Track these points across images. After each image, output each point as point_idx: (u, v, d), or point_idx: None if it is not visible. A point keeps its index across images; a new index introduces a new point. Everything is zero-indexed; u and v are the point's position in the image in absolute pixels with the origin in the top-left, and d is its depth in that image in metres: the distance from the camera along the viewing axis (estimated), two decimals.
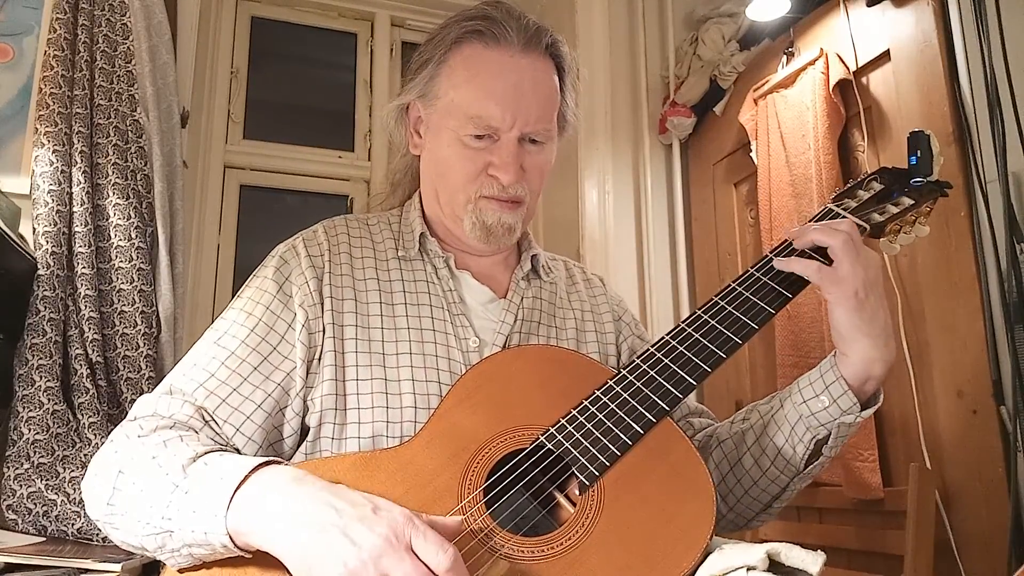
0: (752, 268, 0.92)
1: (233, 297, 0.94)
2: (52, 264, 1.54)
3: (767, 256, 0.92)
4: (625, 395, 0.82)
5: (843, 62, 1.73)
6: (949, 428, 1.44)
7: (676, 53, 2.33)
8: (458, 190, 0.96)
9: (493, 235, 0.96)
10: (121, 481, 0.75)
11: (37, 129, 1.63)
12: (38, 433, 1.43)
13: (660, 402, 0.81)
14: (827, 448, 0.90)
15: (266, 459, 0.73)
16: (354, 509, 0.66)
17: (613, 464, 0.77)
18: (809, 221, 0.96)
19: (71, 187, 1.62)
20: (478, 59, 0.93)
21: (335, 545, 0.63)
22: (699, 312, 0.89)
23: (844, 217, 0.94)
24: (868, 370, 0.86)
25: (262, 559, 0.70)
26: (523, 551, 0.71)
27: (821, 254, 0.89)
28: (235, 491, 0.69)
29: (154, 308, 1.67)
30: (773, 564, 0.67)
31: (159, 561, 0.75)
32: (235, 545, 0.68)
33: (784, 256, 0.90)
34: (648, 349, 0.87)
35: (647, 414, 0.80)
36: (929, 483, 1.36)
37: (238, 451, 0.83)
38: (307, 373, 0.88)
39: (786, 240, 0.93)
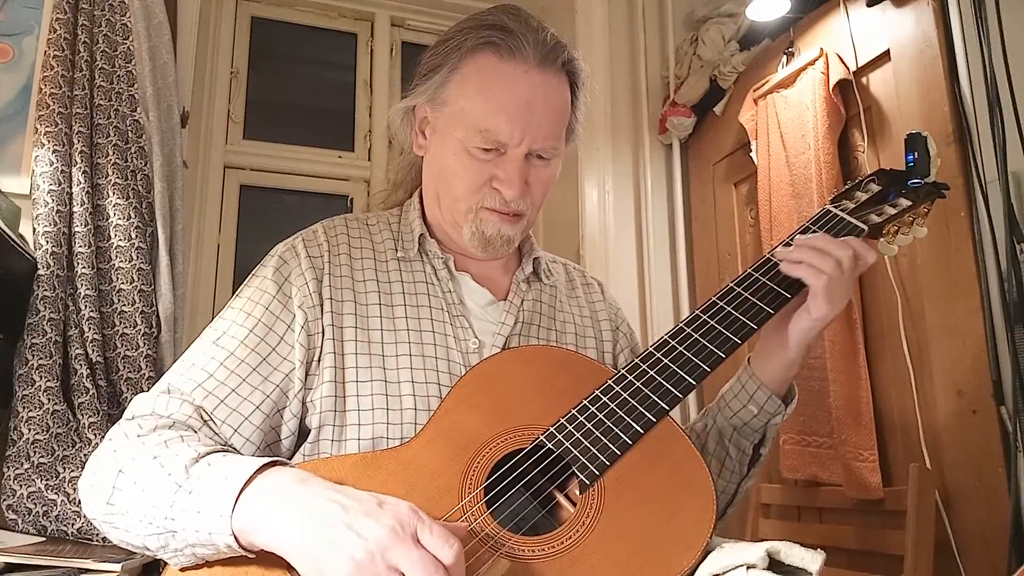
0: (751, 269, 0.92)
1: (232, 297, 0.94)
2: (52, 264, 1.54)
3: (766, 257, 0.92)
4: (625, 395, 0.82)
5: (843, 62, 1.73)
6: (949, 428, 1.44)
7: (676, 53, 2.33)
8: (460, 199, 0.95)
9: (491, 245, 0.96)
10: (122, 481, 0.75)
11: (37, 129, 1.63)
12: (38, 433, 1.43)
13: (660, 402, 0.81)
14: (763, 448, 0.98)
15: (270, 459, 0.73)
16: (360, 504, 0.66)
17: (613, 463, 0.77)
18: (807, 223, 0.96)
19: (71, 187, 1.62)
20: (492, 71, 0.91)
21: (342, 539, 0.64)
22: (698, 313, 0.89)
23: (843, 219, 0.94)
24: (789, 372, 0.94)
25: (265, 559, 0.70)
26: (524, 550, 0.71)
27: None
28: (240, 491, 0.69)
29: (154, 308, 1.67)
30: (773, 563, 0.68)
31: (159, 561, 0.75)
32: (239, 545, 0.68)
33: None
34: (648, 349, 0.87)
35: (647, 414, 0.80)
36: (929, 483, 1.36)
37: (236, 452, 0.82)
38: (306, 375, 0.88)
39: (785, 240, 0.94)
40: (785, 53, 1.93)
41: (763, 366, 0.94)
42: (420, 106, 0.99)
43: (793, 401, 0.97)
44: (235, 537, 0.68)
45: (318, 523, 0.65)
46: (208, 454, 0.75)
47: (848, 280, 0.88)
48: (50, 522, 1.39)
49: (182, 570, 0.73)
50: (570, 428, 0.80)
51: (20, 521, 1.38)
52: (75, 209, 1.61)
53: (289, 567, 0.68)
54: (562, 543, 0.72)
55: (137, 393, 1.56)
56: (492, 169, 0.92)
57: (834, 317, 0.89)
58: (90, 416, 1.49)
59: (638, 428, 0.79)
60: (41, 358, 1.48)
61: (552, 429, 0.81)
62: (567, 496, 0.79)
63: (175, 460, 0.73)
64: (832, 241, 0.90)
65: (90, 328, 1.56)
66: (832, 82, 1.72)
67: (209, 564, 0.73)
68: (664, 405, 0.81)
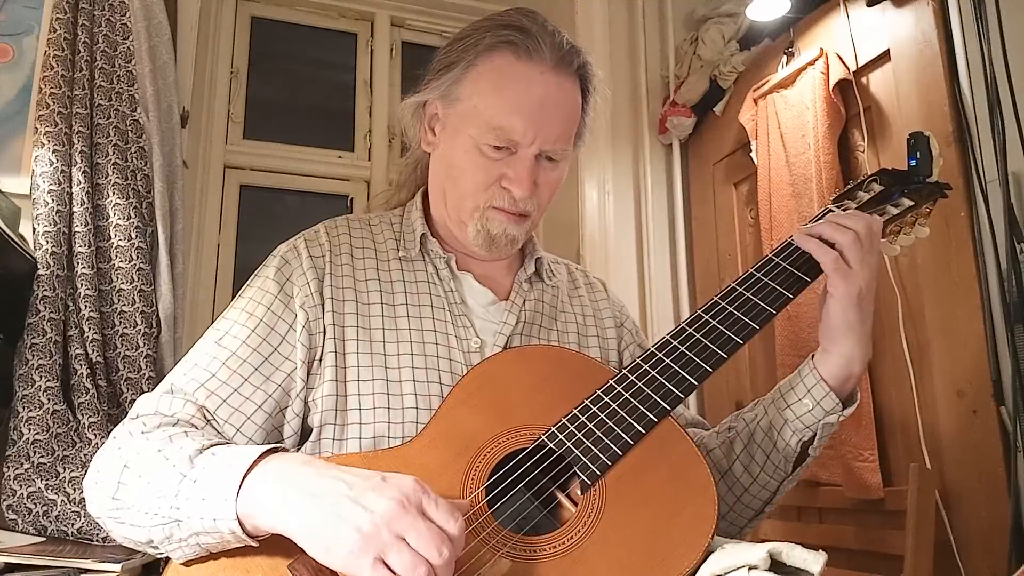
0: (753, 269, 0.92)
1: (234, 297, 0.94)
2: (52, 264, 1.54)
3: (767, 257, 0.92)
4: (627, 395, 0.82)
5: (843, 62, 1.73)
6: (949, 428, 1.44)
7: (676, 53, 2.33)
8: (467, 196, 0.95)
9: (496, 244, 0.96)
10: (127, 475, 0.75)
11: (37, 129, 1.63)
12: (38, 433, 1.43)
13: (661, 402, 0.81)
14: (812, 448, 0.92)
15: (273, 446, 0.73)
16: (365, 480, 0.67)
17: (615, 463, 0.77)
18: (808, 222, 0.96)
19: (71, 187, 1.62)
20: (508, 70, 0.92)
21: (348, 513, 0.64)
22: (700, 312, 0.89)
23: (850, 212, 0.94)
24: (848, 368, 0.89)
25: (269, 548, 0.70)
26: (525, 550, 0.71)
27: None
28: (244, 475, 0.69)
29: (154, 308, 1.67)
30: (775, 564, 0.67)
31: (159, 561, 0.75)
32: (244, 531, 0.68)
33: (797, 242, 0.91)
34: (649, 349, 0.87)
35: (649, 414, 0.80)
36: (929, 483, 1.36)
37: None
38: (308, 374, 0.88)
39: (787, 240, 0.93)
40: (785, 53, 1.93)
41: (822, 360, 0.90)
42: (431, 102, 0.98)
43: (853, 405, 0.90)
44: (239, 522, 0.68)
45: (324, 500, 0.66)
46: (212, 445, 0.75)
47: (861, 253, 0.86)
48: (50, 522, 1.39)
49: (186, 564, 0.73)
50: (572, 428, 0.80)
51: (20, 521, 1.38)
52: (75, 209, 1.61)
53: (291, 558, 0.68)
54: (563, 543, 0.72)
55: (137, 393, 1.56)
56: (502, 168, 0.93)
57: (861, 293, 0.86)
58: (90, 416, 1.49)
59: (640, 428, 0.79)
60: (41, 358, 1.48)
61: (554, 429, 0.81)
62: (568, 496, 0.79)
63: (179, 452, 0.74)
64: (841, 216, 0.90)
65: (90, 328, 1.56)
66: (832, 82, 1.72)
67: (214, 556, 0.72)
68: (666, 405, 0.80)
